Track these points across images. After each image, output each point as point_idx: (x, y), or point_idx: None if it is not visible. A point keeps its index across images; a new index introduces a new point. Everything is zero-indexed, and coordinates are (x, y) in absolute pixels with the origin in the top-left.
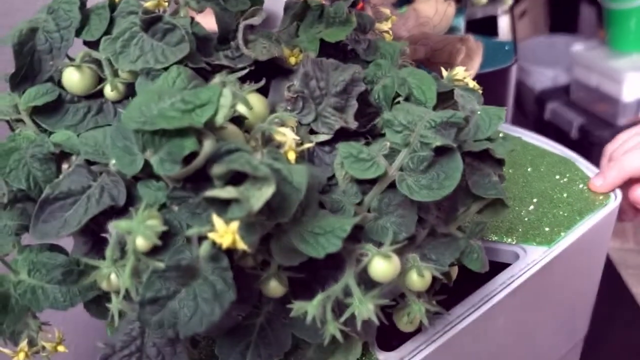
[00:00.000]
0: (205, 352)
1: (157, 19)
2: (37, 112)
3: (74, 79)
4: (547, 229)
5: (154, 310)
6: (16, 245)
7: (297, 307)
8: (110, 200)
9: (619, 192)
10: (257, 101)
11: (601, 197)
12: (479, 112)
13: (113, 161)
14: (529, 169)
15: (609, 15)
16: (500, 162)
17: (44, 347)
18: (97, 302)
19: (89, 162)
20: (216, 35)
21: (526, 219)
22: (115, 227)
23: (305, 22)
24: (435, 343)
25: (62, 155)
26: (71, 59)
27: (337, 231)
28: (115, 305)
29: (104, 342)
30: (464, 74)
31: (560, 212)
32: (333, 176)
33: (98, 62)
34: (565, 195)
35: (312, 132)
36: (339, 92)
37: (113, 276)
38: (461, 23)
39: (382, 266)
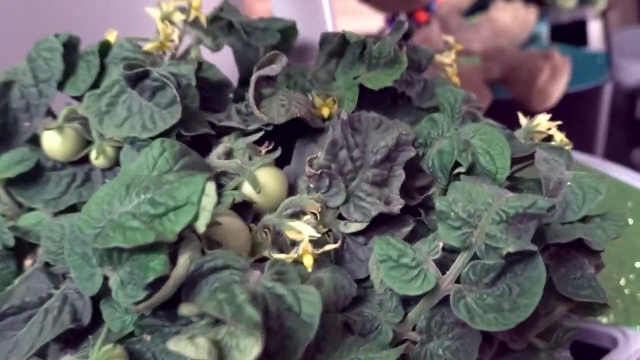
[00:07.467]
0: None
1: (143, 74)
2: (13, 181)
3: (54, 143)
4: None
5: None
6: None
7: None
8: (72, 319)
9: None
10: (270, 178)
11: None
12: (569, 184)
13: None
14: (629, 221)
15: None
16: (597, 251)
17: None
18: None
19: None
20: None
21: (626, 291)
22: None
23: (344, 61)
24: None
25: (26, 248)
26: (55, 116)
27: None
28: None
29: None
30: (548, 124)
31: None
32: (368, 277)
33: (86, 120)
34: None
35: (342, 217)
36: (379, 161)
37: None
38: (544, 30)
39: None
